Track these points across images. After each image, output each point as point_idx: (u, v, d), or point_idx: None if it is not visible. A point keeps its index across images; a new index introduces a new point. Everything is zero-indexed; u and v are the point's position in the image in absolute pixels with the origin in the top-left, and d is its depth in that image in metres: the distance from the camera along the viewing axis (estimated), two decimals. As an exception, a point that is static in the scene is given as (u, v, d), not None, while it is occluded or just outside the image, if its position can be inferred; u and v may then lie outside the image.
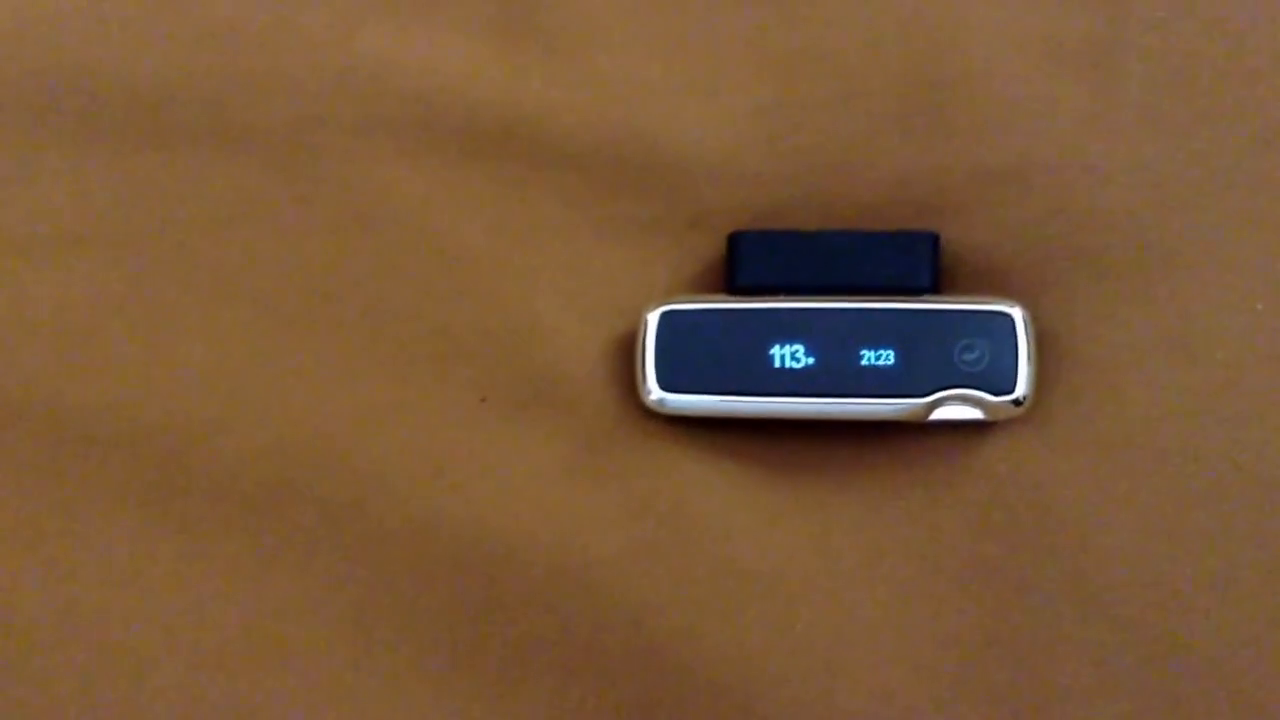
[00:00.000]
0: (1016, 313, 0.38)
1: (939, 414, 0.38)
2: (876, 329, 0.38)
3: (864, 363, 0.38)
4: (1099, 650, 0.38)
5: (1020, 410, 0.38)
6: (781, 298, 0.39)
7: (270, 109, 0.41)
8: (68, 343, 0.41)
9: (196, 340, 0.41)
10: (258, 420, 0.40)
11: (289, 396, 0.40)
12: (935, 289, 0.39)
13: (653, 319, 0.39)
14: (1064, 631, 0.38)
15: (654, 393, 0.39)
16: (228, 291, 0.41)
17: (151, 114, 0.42)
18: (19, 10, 0.42)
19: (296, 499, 0.40)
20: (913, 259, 0.39)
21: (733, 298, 0.39)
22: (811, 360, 0.38)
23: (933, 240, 0.39)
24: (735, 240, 0.40)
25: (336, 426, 0.40)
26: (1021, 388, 0.38)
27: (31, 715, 0.39)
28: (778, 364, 0.38)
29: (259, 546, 0.39)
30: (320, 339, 0.40)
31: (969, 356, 0.38)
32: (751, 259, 0.40)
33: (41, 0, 0.42)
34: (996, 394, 0.38)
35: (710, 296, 0.39)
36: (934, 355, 0.38)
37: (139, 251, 0.41)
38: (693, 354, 0.39)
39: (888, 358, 0.38)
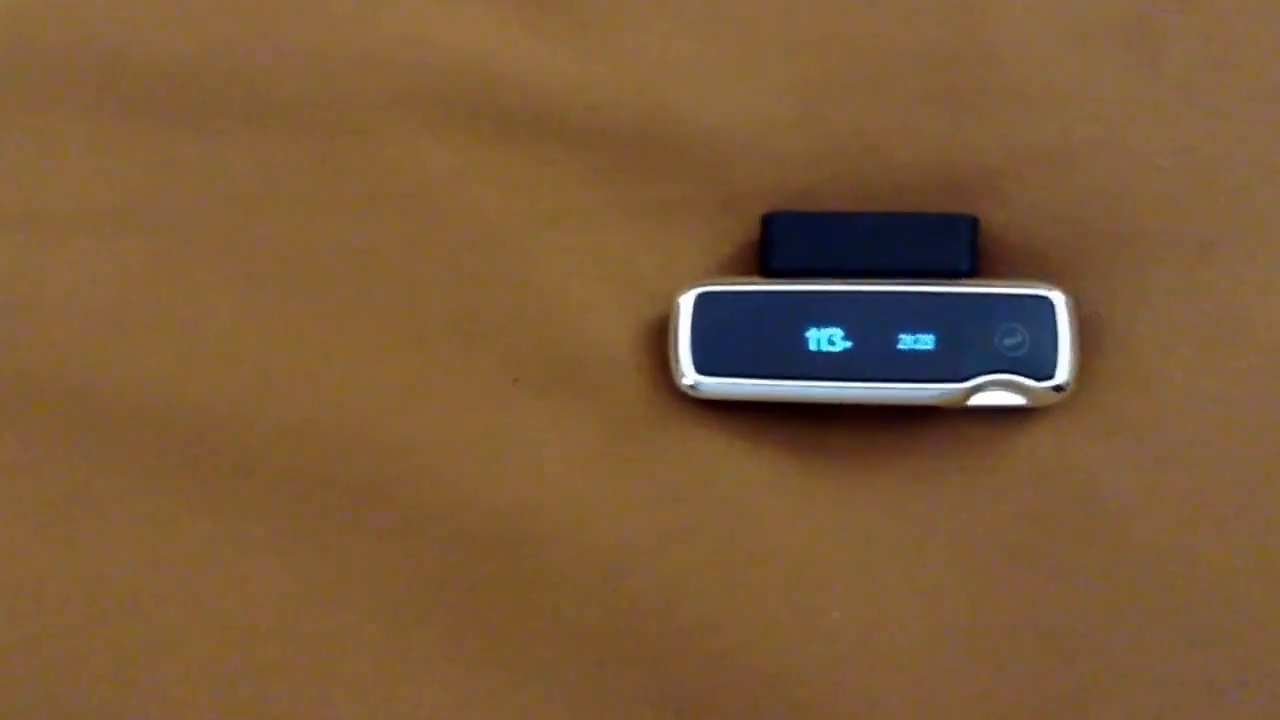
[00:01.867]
0: (1058, 297, 0.37)
1: (978, 399, 0.37)
2: (915, 313, 0.37)
3: (902, 347, 0.37)
4: (1139, 638, 0.37)
5: (1062, 396, 0.37)
6: (817, 280, 0.38)
7: (299, 85, 0.41)
8: (94, 320, 0.40)
9: (224, 318, 0.40)
10: (287, 399, 0.40)
11: (318, 375, 0.40)
12: (974, 272, 0.38)
13: (686, 302, 0.38)
14: (1104, 619, 0.38)
15: (688, 376, 0.38)
16: (256, 269, 0.40)
17: (179, 90, 0.41)
18: None
19: (325, 478, 0.39)
20: (952, 242, 0.38)
21: (767, 280, 0.39)
22: (849, 344, 0.38)
23: (972, 223, 0.38)
24: (769, 222, 0.39)
25: (366, 406, 0.39)
26: (1063, 373, 0.37)
27: (62, 692, 0.38)
28: (814, 347, 0.38)
29: (288, 525, 0.39)
30: (350, 317, 0.40)
31: (1009, 341, 0.37)
32: (786, 241, 0.39)
33: None
34: (1038, 379, 0.37)
35: (744, 279, 0.39)
36: (974, 340, 0.37)
37: (166, 229, 0.41)
38: (727, 337, 0.38)
39: (926, 342, 0.37)
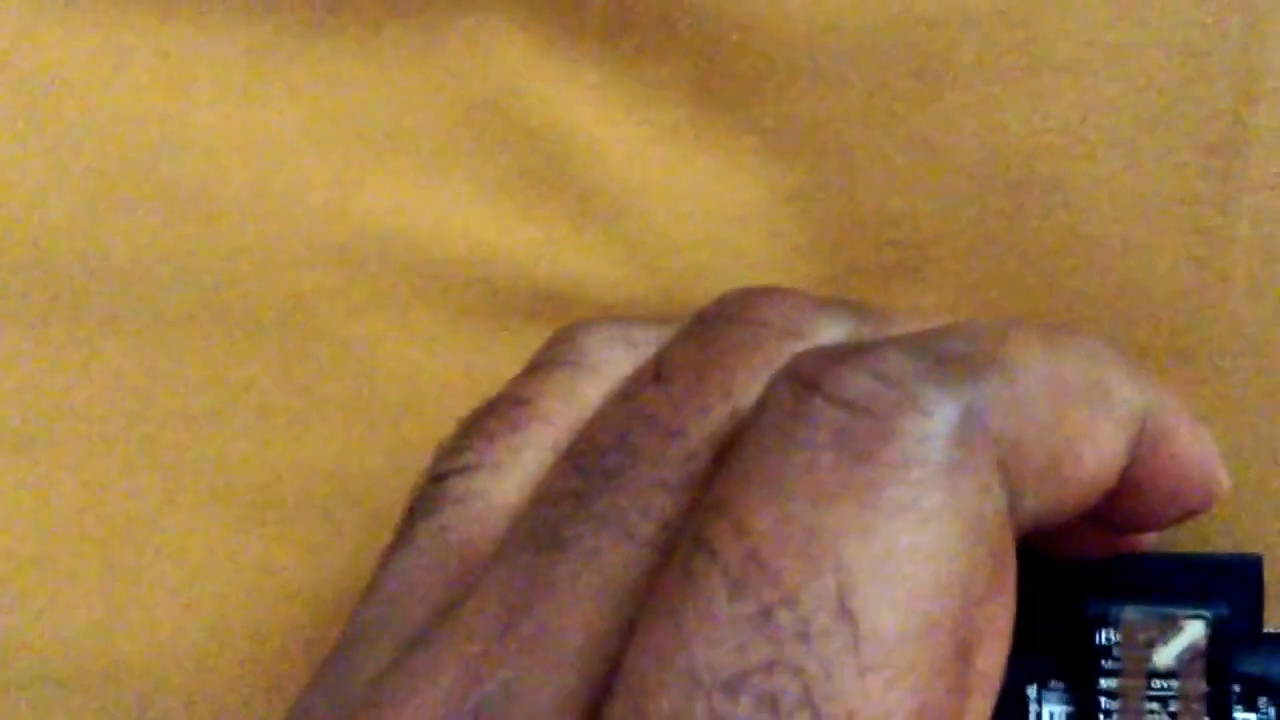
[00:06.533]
0: None
1: None
2: None
3: None
4: None
5: None
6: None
7: (258, 284, 0.37)
8: (19, 564, 0.36)
9: (170, 555, 0.36)
10: (250, 657, 0.36)
11: (288, 624, 0.36)
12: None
13: None
14: None
15: None
16: (209, 496, 0.36)
17: (119, 293, 0.37)
18: None
19: None
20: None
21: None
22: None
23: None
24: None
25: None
26: None
27: None
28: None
29: None
30: (322, 551, 0.36)
31: None
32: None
33: None
34: None
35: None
36: None
37: (104, 452, 0.37)
38: None
39: None
